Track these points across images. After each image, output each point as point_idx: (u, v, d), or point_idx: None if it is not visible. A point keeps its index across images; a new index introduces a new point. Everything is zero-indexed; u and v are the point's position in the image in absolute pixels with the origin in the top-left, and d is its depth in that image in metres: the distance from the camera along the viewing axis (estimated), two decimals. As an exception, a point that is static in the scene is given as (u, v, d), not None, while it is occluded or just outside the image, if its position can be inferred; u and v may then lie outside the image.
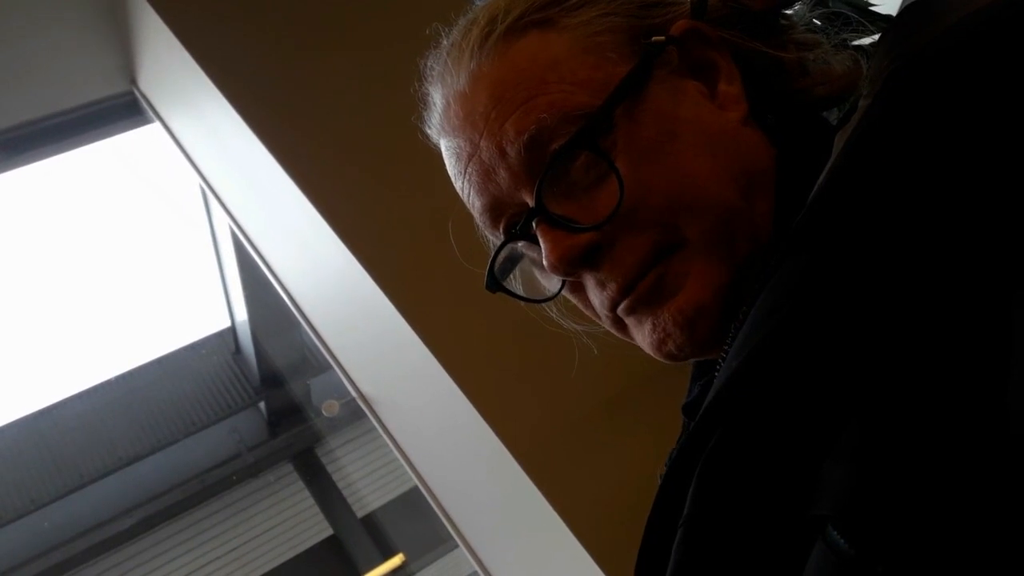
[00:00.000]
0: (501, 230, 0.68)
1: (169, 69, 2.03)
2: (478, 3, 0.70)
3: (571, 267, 0.62)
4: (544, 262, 0.63)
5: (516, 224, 0.66)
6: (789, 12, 0.70)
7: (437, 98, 0.70)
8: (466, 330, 1.57)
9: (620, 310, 0.64)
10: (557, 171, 0.62)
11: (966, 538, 0.34)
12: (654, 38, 0.63)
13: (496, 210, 0.67)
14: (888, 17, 1.62)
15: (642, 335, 0.65)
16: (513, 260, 0.71)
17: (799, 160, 0.63)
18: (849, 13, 0.77)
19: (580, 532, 1.46)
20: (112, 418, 6.73)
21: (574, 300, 0.69)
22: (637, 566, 0.55)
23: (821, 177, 0.50)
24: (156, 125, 2.39)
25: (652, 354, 0.65)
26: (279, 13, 1.84)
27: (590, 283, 0.65)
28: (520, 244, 0.68)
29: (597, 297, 0.65)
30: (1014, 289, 0.37)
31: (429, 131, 0.72)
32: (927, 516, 0.35)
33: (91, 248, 6.18)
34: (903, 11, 0.56)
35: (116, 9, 2.10)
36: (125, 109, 2.44)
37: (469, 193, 0.68)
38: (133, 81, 2.37)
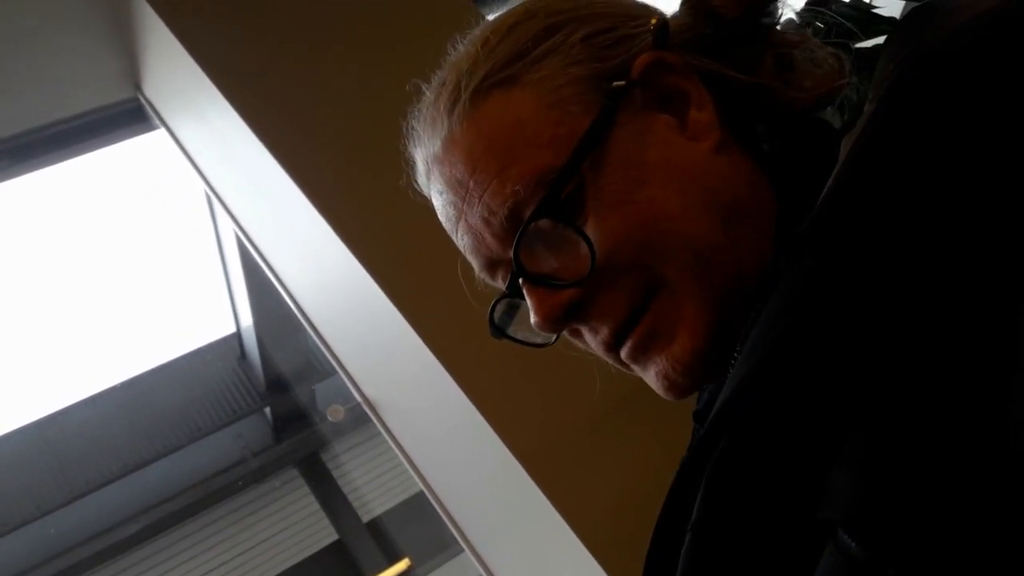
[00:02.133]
0: (499, 281, 0.70)
1: (174, 75, 2.03)
2: (451, 56, 0.71)
3: (557, 324, 0.64)
4: (531, 321, 0.65)
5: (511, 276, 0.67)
6: (773, 8, 0.68)
7: (418, 160, 0.72)
8: (471, 335, 1.57)
9: (624, 357, 0.65)
10: (533, 236, 0.63)
11: (971, 541, 0.34)
12: (614, 84, 0.63)
13: (491, 268, 0.69)
14: (891, 20, 1.62)
15: (648, 379, 0.66)
16: (514, 307, 0.72)
17: (798, 168, 0.62)
18: (832, 16, 0.77)
19: (586, 537, 1.46)
20: (117, 424, 6.74)
21: (576, 342, 0.71)
22: (645, 570, 0.55)
23: (828, 183, 0.50)
24: (161, 131, 2.40)
25: (661, 395, 0.66)
26: (284, 19, 1.84)
27: (583, 330, 0.67)
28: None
29: (593, 342, 0.67)
30: (1021, 299, 0.37)
31: (418, 186, 0.74)
32: (934, 519, 0.35)
33: (96, 254, 6.19)
34: (908, 14, 0.56)
35: (120, 15, 2.11)
36: (130, 115, 2.44)
37: (464, 249, 0.70)
38: (138, 87, 2.38)
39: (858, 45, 0.74)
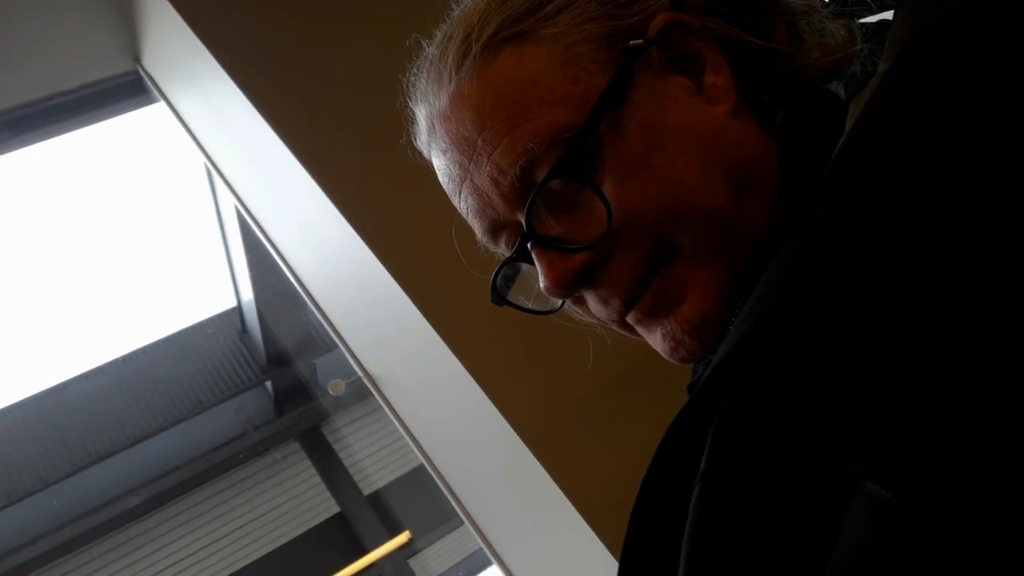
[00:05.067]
0: (503, 246, 0.68)
1: (173, 48, 2.02)
2: (455, 11, 0.69)
3: (568, 289, 0.63)
4: (541, 285, 0.63)
5: (517, 240, 0.66)
6: None
7: (421, 117, 0.70)
8: (471, 309, 1.57)
9: (630, 319, 0.65)
10: (545, 197, 0.61)
11: (991, 478, 0.35)
12: (632, 42, 0.62)
13: (495, 231, 0.67)
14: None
15: (654, 341, 0.65)
16: (515, 271, 0.71)
17: (806, 136, 0.62)
18: None
19: (585, 510, 1.47)
20: (119, 397, 6.77)
21: (578, 310, 0.69)
22: (629, 530, 0.53)
23: (841, 141, 0.50)
24: (161, 104, 2.39)
25: (666, 358, 0.65)
26: (283, -9, 1.83)
27: (591, 298, 0.65)
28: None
29: (602, 312, 0.66)
30: None
31: (419, 145, 0.72)
32: (957, 461, 0.36)
33: (97, 228, 6.19)
34: None
35: (120, -12, 2.10)
36: (130, 88, 2.43)
37: (467, 213, 0.68)
38: (138, 60, 2.37)
39: (862, 20, 0.74)
